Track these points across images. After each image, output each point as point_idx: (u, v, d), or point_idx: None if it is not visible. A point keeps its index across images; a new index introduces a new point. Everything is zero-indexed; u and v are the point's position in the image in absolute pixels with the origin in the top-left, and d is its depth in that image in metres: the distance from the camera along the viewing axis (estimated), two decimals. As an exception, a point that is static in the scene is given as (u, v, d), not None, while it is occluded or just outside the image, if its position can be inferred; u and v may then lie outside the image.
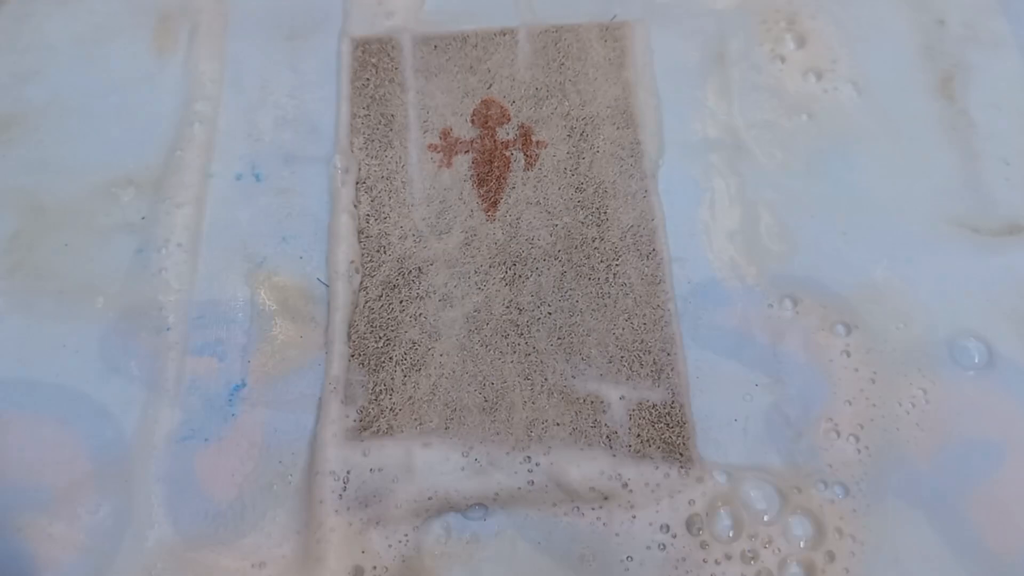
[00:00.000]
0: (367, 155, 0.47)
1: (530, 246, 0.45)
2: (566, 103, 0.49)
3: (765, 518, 0.38)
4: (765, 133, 0.48)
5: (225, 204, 0.47)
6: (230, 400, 0.42)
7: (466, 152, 0.47)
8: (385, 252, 0.45)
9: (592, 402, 0.41)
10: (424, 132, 0.48)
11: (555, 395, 0.41)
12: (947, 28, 0.51)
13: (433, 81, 0.50)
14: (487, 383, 0.41)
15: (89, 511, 0.39)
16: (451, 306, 0.43)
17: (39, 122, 0.49)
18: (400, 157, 0.47)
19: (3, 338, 0.43)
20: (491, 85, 0.49)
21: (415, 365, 0.42)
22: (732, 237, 0.45)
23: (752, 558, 0.38)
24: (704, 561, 0.38)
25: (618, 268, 0.44)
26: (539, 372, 0.41)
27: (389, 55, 0.51)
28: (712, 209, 0.46)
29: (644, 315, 0.43)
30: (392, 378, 0.41)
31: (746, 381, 0.42)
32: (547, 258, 0.44)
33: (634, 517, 0.39)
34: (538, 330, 0.42)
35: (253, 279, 0.45)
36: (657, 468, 0.39)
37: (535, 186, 0.46)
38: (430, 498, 0.39)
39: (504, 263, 0.44)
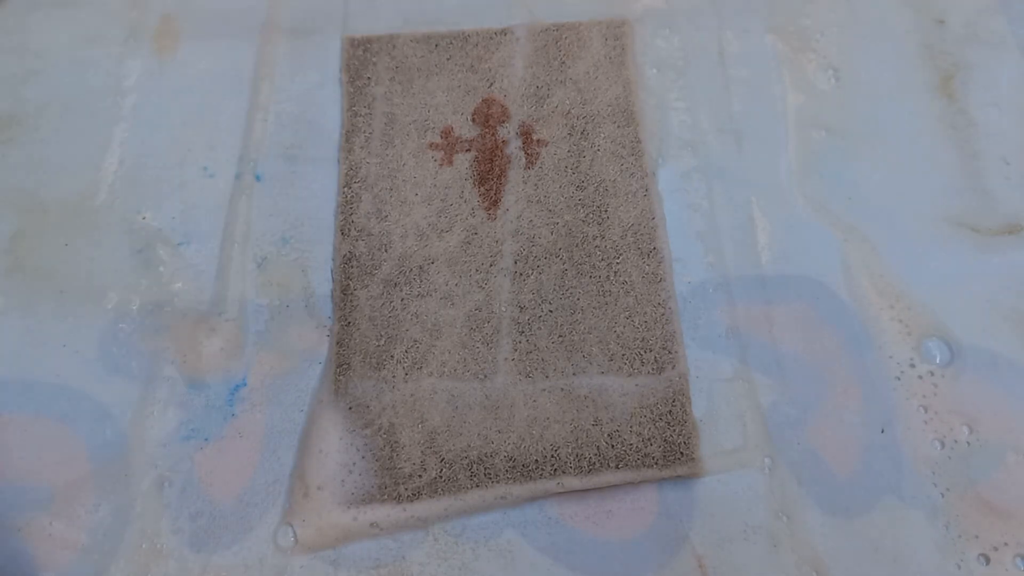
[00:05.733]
0: (368, 154, 0.47)
1: (531, 244, 0.45)
2: (567, 101, 0.49)
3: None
4: (765, 132, 0.48)
5: (225, 204, 0.47)
6: (230, 400, 0.41)
7: (467, 151, 0.47)
8: (386, 251, 0.44)
9: (593, 400, 0.40)
10: (425, 131, 0.48)
11: (556, 393, 0.41)
12: (947, 28, 0.51)
13: (434, 80, 0.50)
14: (488, 381, 0.41)
15: (89, 511, 0.39)
16: (452, 304, 0.43)
17: (39, 122, 0.49)
18: (401, 156, 0.47)
19: (3, 338, 0.43)
20: (492, 84, 0.49)
21: (416, 363, 0.42)
22: (732, 236, 0.45)
23: None
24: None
25: (619, 266, 0.44)
26: (540, 370, 0.41)
27: (389, 54, 0.50)
28: (712, 208, 0.46)
29: (645, 313, 0.43)
30: (394, 376, 0.41)
31: (746, 381, 0.42)
32: (548, 256, 0.44)
33: (635, 515, 0.39)
34: (539, 328, 0.42)
35: (253, 279, 0.45)
36: (658, 467, 0.39)
37: (536, 184, 0.46)
38: (430, 496, 0.39)
39: (505, 261, 0.44)
